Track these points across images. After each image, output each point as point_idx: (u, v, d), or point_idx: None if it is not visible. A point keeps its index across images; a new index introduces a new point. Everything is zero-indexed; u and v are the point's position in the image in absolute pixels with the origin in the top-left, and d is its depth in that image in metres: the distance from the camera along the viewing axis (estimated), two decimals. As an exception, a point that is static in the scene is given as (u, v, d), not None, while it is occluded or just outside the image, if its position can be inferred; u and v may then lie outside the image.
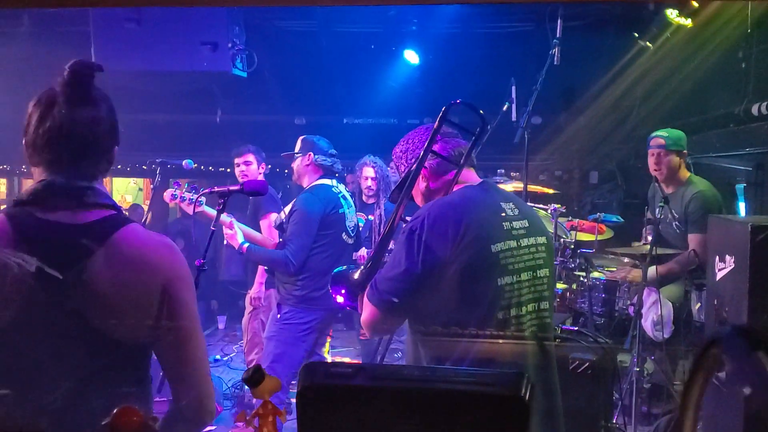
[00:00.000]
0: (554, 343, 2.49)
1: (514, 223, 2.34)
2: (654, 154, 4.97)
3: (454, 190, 2.42)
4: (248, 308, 5.48)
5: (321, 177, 4.56)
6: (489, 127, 5.22)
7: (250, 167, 5.34)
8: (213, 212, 4.51)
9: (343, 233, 4.51)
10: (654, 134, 5.03)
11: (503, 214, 2.34)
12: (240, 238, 4.51)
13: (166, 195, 4.79)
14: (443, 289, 2.21)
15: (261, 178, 5.25)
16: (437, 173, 2.47)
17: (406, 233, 2.24)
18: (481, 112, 2.48)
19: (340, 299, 2.44)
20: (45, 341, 1.67)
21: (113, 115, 1.80)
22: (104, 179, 1.85)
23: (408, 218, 2.33)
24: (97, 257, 1.67)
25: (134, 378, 1.79)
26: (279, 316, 4.50)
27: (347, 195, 4.65)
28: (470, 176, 2.49)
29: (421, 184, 2.49)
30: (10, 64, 5.83)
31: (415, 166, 2.42)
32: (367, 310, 2.32)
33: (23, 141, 1.75)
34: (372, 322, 2.33)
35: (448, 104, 2.42)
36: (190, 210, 4.76)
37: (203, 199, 4.67)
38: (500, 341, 2.24)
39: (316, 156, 4.54)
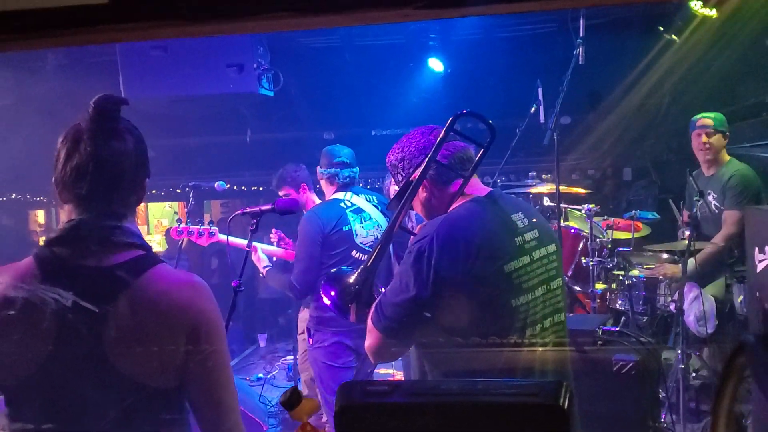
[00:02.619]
0: (570, 351, 2.41)
1: (525, 235, 2.24)
2: (701, 134, 5.04)
3: (461, 202, 2.29)
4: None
5: (336, 191, 4.37)
6: (518, 130, 5.31)
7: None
8: (228, 239, 4.29)
9: (354, 250, 4.22)
10: (698, 116, 5.09)
11: (514, 228, 2.23)
12: (265, 262, 4.48)
13: (172, 234, 4.77)
14: (454, 312, 2.10)
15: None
16: (438, 183, 2.34)
17: (414, 254, 2.12)
18: (490, 121, 2.34)
19: (326, 300, 2.31)
20: (71, 385, 1.65)
21: (142, 146, 1.76)
22: (139, 205, 1.81)
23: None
24: (122, 302, 1.64)
25: (167, 421, 1.74)
26: (310, 341, 4.36)
27: (367, 208, 4.34)
28: (476, 186, 2.36)
29: (421, 195, 2.36)
30: (42, 101, 5.94)
31: (414, 175, 2.30)
32: (372, 336, 2.20)
33: (53, 178, 1.72)
34: (378, 348, 2.21)
35: (454, 114, 2.28)
36: (202, 242, 4.72)
37: (215, 228, 4.66)
38: (511, 351, 2.13)
39: (321, 170, 4.41)
